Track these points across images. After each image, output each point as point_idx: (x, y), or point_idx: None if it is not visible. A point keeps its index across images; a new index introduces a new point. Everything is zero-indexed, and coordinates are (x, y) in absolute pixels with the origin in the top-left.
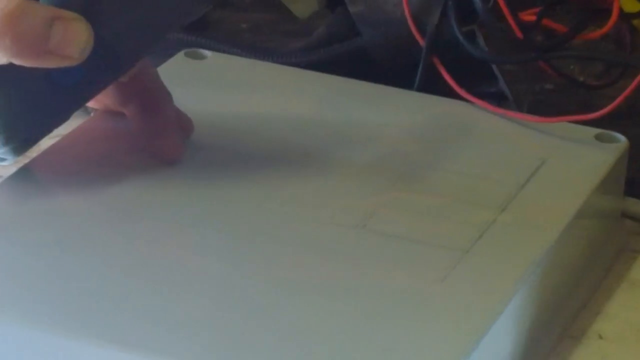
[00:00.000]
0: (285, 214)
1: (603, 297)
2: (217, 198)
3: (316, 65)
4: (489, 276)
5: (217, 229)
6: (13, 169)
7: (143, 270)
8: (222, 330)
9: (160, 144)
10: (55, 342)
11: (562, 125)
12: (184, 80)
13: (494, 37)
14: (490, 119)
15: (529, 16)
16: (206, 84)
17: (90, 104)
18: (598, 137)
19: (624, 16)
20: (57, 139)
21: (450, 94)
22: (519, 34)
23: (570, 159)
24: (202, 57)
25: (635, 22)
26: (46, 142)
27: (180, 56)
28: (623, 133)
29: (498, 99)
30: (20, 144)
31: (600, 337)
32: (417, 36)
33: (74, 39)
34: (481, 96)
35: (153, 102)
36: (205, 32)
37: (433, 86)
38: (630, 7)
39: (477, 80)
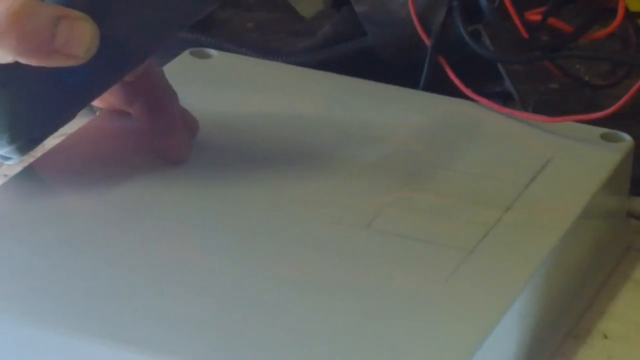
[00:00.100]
0: (290, 213)
1: (608, 297)
2: (223, 197)
3: (322, 64)
4: (493, 275)
5: (222, 229)
6: (18, 168)
7: (148, 269)
8: (227, 329)
9: (165, 143)
10: (60, 341)
11: (567, 125)
12: (189, 80)
13: (500, 36)
14: (496, 118)
15: (534, 16)
16: (212, 84)
17: (96, 103)
18: (603, 137)
19: (630, 16)
20: (62, 138)
21: (455, 93)
22: (525, 34)
23: (575, 158)
24: (208, 57)
25: None
26: (51, 141)
27: (185, 55)
28: (628, 132)
29: (503, 99)
30: (26, 143)
31: (605, 336)
32: (423, 35)
33: (80, 38)
34: (487, 96)
35: (158, 101)
36: (211, 31)
37: (438, 86)
38: (635, 6)
39: (483, 80)
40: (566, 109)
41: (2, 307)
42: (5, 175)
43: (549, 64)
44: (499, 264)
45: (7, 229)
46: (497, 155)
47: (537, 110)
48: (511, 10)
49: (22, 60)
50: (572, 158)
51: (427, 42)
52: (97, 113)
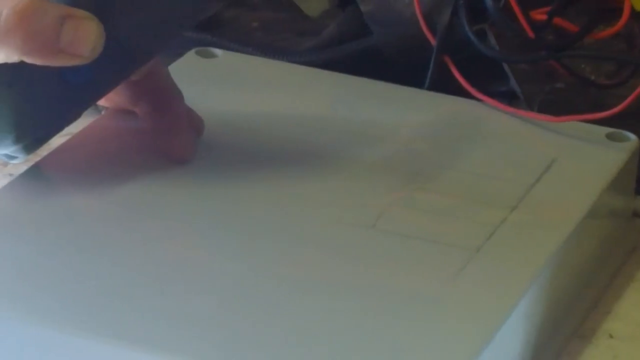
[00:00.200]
0: (295, 213)
1: (613, 297)
2: (228, 197)
3: (327, 64)
4: (499, 275)
5: (227, 228)
6: (24, 167)
7: (153, 268)
8: (232, 329)
9: (171, 142)
10: (65, 340)
11: (572, 125)
12: (194, 79)
13: (505, 36)
14: (501, 118)
15: (540, 15)
16: (217, 83)
17: (101, 102)
18: (609, 136)
19: (635, 15)
20: (67, 137)
21: (460, 92)
22: (530, 33)
23: (581, 158)
24: (213, 56)
25: None
26: (57, 141)
27: (191, 55)
28: (634, 132)
29: (509, 98)
30: (31, 142)
31: (611, 336)
32: (428, 35)
33: (85, 38)
34: (492, 95)
35: (164, 100)
36: (217, 31)
37: (444, 85)
38: None
39: (488, 79)
40: (572, 109)
41: (8, 306)
42: (11, 175)
43: (555, 64)
44: (504, 263)
45: (12, 228)
46: (502, 155)
47: (542, 109)
48: (517, 9)
49: (28, 60)
50: (577, 158)
51: (433, 41)
52: (103, 112)
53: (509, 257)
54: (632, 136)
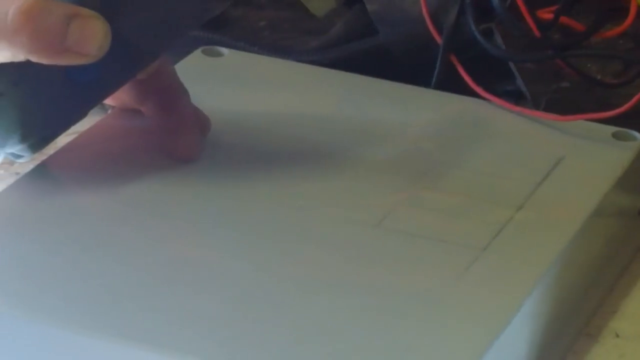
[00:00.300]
0: (301, 212)
1: (620, 296)
2: (234, 196)
3: (333, 63)
4: (505, 274)
5: (233, 227)
6: (30, 166)
7: (159, 267)
8: (237, 327)
9: (177, 141)
10: (71, 339)
11: (579, 124)
12: (201, 78)
13: (512, 35)
14: (507, 117)
15: (546, 14)
16: (223, 82)
17: (108, 101)
18: (615, 135)
19: None
20: (74, 136)
21: (467, 92)
22: (537, 32)
23: (587, 157)
24: (220, 55)
25: None
26: (63, 140)
27: (197, 54)
28: None
29: (515, 97)
30: (38, 141)
31: (617, 335)
32: (435, 34)
33: (92, 37)
34: (498, 94)
35: (170, 99)
36: (223, 30)
37: (450, 84)
38: None
39: (495, 79)
40: (578, 108)
41: (14, 305)
42: (17, 173)
43: (561, 63)
44: (510, 262)
45: (18, 227)
46: (508, 154)
47: (548, 109)
48: (523, 8)
49: (34, 59)
50: (583, 157)
51: (439, 40)
52: (109, 111)
53: (515, 256)
54: (638, 135)
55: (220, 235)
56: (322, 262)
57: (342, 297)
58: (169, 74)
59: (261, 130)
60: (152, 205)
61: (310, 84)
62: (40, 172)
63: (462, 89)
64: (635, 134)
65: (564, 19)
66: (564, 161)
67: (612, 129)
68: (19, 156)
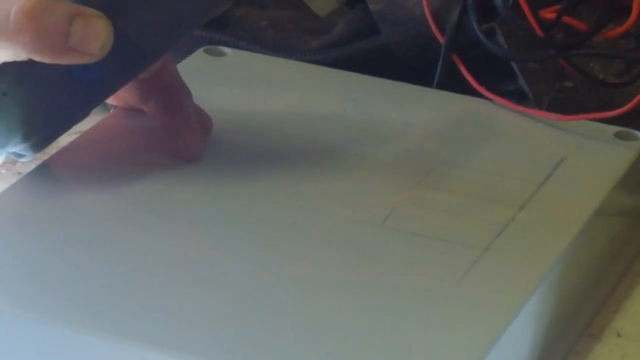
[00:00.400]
0: (303, 211)
1: (622, 295)
2: (237, 196)
3: (336, 62)
4: (508, 274)
5: (236, 226)
6: (32, 166)
7: (162, 267)
8: (241, 327)
9: (179, 141)
10: (74, 338)
11: (581, 123)
12: (203, 78)
13: (514, 34)
14: (510, 116)
15: (549, 14)
16: (226, 81)
17: (110, 100)
18: (617, 135)
19: None
20: (76, 135)
21: (469, 91)
22: (539, 32)
23: (589, 156)
24: (222, 54)
25: None
26: (65, 139)
27: (199, 53)
28: None
29: (518, 97)
30: (40, 141)
31: (619, 335)
32: (437, 34)
33: (94, 36)
34: (501, 94)
35: (173, 99)
36: (226, 29)
37: (452, 84)
38: None
39: (497, 78)
40: (580, 108)
41: (16, 304)
42: (19, 173)
43: (564, 63)
44: (513, 262)
45: (20, 226)
46: (511, 154)
47: (551, 108)
48: (525, 8)
49: (37, 58)
50: (586, 156)
51: (441, 40)
52: (112, 111)
53: (517, 256)
54: None
55: (222, 235)
56: (324, 261)
57: (344, 296)
58: (172, 74)
59: (263, 130)
60: (154, 204)
61: (312, 84)
62: (42, 171)
63: (465, 89)
64: (638, 133)
65: (566, 19)
66: (567, 161)
67: (615, 128)
68: (21, 155)
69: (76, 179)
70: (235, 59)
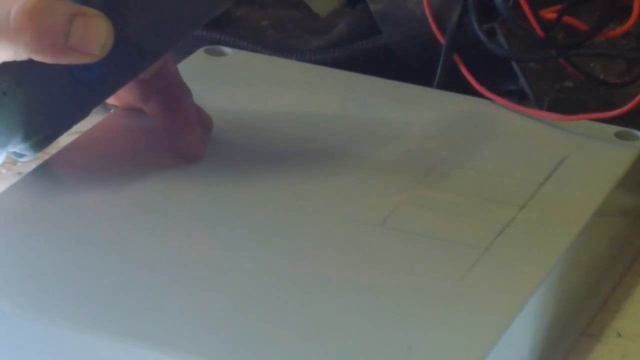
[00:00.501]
0: (304, 211)
1: (623, 295)
2: (237, 195)
3: (336, 62)
4: (508, 274)
5: (237, 226)
6: (32, 166)
7: (163, 266)
8: (242, 326)
9: (180, 141)
10: (76, 338)
11: (582, 123)
12: (204, 77)
13: (515, 34)
14: (511, 116)
15: (550, 14)
16: (226, 81)
17: (111, 100)
18: (618, 135)
19: None
20: (76, 135)
21: (470, 91)
22: (540, 32)
23: (590, 156)
24: (222, 54)
25: None
26: (65, 139)
27: (200, 53)
28: None
29: (518, 97)
30: (40, 140)
31: (620, 335)
32: (438, 34)
33: (95, 36)
34: (501, 94)
35: (173, 99)
36: (226, 29)
37: (453, 84)
38: None
39: (498, 78)
40: (581, 108)
41: (17, 304)
42: (20, 173)
43: (564, 62)
44: (513, 262)
45: (21, 226)
46: (511, 154)
47: (551, 108)
48: (526, 8)
49: (37, 58)
50: (586, 156)
51: (442, 40)
52: (112, 111)
53: (518, 256)
54: None
55: (222, 235)
56: (324, 261)
57: (344, 296)
58: (172, 74)
59: (264, 130)
60: (154, 204)
61: (313, 84)
62: (43, 171)
63: (465, 89)
64: (638, 133)
65: (567, 19)
66: (567, 161)
67: (615, 128)
68: (21, 155)
69: (77, 178)
70: (236, 59)
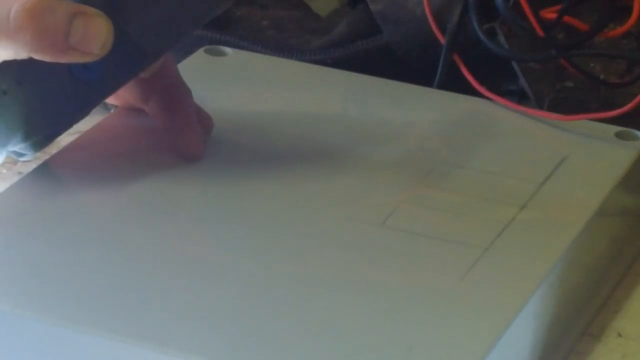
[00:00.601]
0: (305, 210)
1: (623, 295)
2: (238, 195)
3: (337, 62)
4: (508, 274)
5: (237, 226)
6: (33, 166)
7: (164, 266)
8: (243, 326)
9: (180, 141)
10: (77, 337)
11: (582, 123)
12: (204, 77)
13: (515, 34)
14: (511, 116)
15: (550, 14)
16: (226, 81)
17: (111, 100)
18: (618, 135)
19: None
20: (76, 135)
21: (470, 91)
22: (540, 32)
23: (590, 156)
24: (223, 54)
25: None
26: (66, 139)
27: (200, 53)
28: None
29: (519, 97)
30: (40, 140)
31: (620, 335)
32: (438, 34)
33: (95, 35)
34: (501, 94)
35: (174, 98)
36: (226, 29)
37: (453, 84)
38: None
39: (498, 78)
40: (581, 108)
41: (18, 303)
42: (20, 173)
43: (565, 62)
44: (514, 262)
45: (21, 226)
46: (512, 153)
47: (552, 108)
48: (526, 8)
49: (37, 57)
50: (587, 156)
51: (442, 40)
52: (112, 110)
53: (518, 256)
54: None
55: (222, 234)
56: (325, 261)
57: (345, 296)
58: (172, 73)
59: (264, 130)
60: (154, 204)
61: (313, 84)
62: (43, 171)
63: (465, 89)
64: (638, 133)
65: (567, 19)
66: (568, 161)
67: (616, 128)
68: (21, 154)
69: (77, 178)
70: (236, 58)
